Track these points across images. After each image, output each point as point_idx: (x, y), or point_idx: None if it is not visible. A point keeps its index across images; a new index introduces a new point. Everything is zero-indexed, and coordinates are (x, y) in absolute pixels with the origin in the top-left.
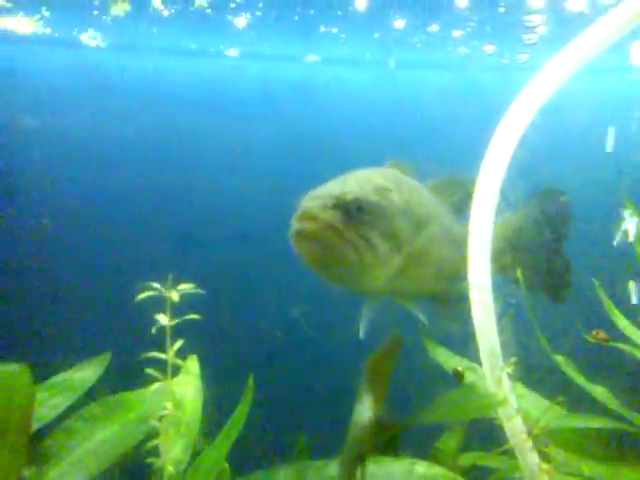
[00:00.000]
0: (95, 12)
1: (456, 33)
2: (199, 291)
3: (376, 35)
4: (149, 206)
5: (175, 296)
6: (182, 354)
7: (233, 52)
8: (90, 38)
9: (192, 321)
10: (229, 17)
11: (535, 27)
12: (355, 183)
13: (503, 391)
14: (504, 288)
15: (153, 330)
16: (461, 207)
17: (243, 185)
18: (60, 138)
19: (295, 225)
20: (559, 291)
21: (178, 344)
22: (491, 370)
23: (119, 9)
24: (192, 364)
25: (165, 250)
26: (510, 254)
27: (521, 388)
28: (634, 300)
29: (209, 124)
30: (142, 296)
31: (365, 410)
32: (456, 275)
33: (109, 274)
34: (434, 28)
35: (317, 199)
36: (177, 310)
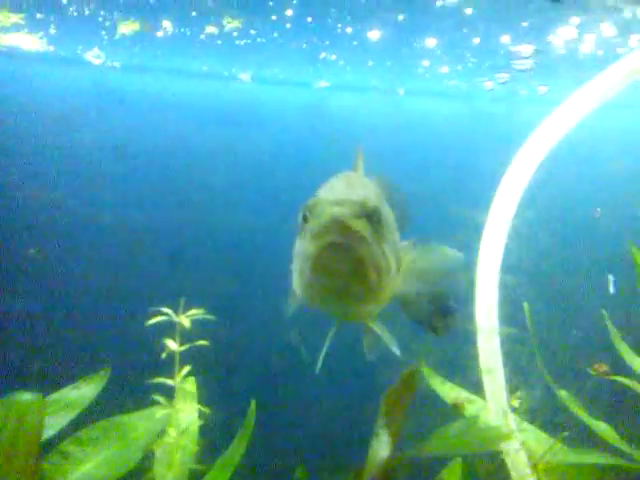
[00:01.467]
0: (102, 32)
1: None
2: (209, 316)
3: (388, 63)
4: (148, 225)
5: (186, 322)
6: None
7: (244, 76)
8: (94, 56)
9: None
10: (238, 42)
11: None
12: (362, 189)
13: (508, 424)
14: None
15: (163, 355)
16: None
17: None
18: (45, 156)
19: (322, 236)
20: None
21: (186, 369)
22: (496, 403)
23: (128, 28)
24: (189, 387)
25: (162, 270)
26: None
27: (523, 422)
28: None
29: (213, 142)
30: (152, 322)
31: (382, 446)
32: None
33: (108, 293)
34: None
35: (343, 205)
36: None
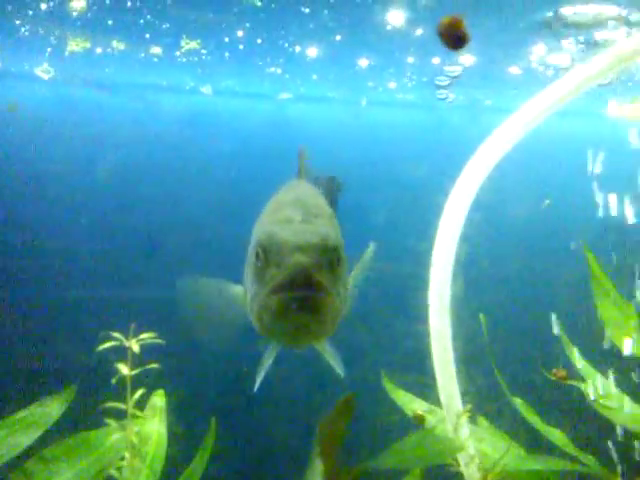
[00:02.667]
0: (49, 49)
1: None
2: (159, 341)
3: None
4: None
5: (135, 347)
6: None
7: (205, 89)
8: (44, 72)
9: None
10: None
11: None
12: (318, 216)
13: (460, 437)
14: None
15: (113, 380)
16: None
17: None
18: None
19: (285, 289)
20: None
21: (138, 393)
22: (450, 414)
23: (78, 46)
24: (158, 399)
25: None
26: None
27: (481, 431)
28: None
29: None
30: (103, 347)
31: (316, 475)
32: None
33: (72, 308)
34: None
35: (305, 252)
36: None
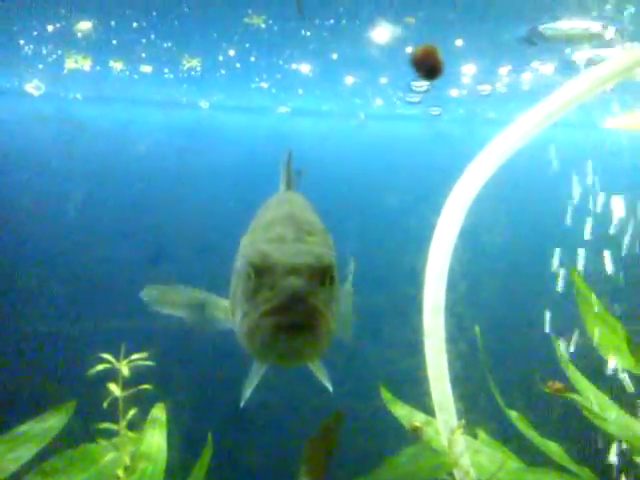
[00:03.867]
0: (40, 66)
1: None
2: (149, 363)
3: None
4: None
5: (125, 370)
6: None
7: (204, 104)
8: (34, 88)
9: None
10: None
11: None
12: (316, 240)
13: (454, 451)
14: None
15: (105, 404)
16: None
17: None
18: None
19: (279, 313)
20: None
21: (131, 413)
22: (444, 429)
23: (78, 63)
24: (159, 413)
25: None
26: None
27: (479, 443)
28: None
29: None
30: (94, 370)
31: None
32: None
33: (69, 322)
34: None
35: (299, 274)
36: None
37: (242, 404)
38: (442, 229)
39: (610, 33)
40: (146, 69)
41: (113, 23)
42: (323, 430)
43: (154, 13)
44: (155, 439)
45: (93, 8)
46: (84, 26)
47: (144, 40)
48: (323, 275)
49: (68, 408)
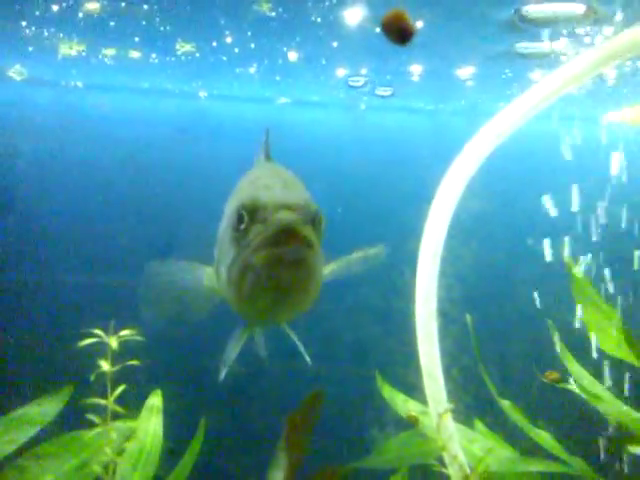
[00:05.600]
0: (30, 48)
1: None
2: (138, 337)
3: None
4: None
5: (114, 343)
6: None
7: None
8: (16, 73)
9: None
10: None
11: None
12: (297, 185)
13: (443, 435)
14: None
15: (91, 377)
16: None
17: None
18: None
19: (274, 245)
20: None
21: (119, 389)
22: (436, 414)
23: (73, 50)
24: (155, 399)
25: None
26: None
27: (473, 432)
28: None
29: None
30: (83, 344)
31: (279, 471)
32: None
33: (70, 306)
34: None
35: (292, 210)
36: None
37: (221, 377)
38: (434, 216)
39: (595, 14)
40: (135, 55)
41: (123, 4)
42: (302, 408)
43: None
44: (151, 425)
45: None
46: (92, 6)
47: (144, 23)
48: (312, 215)
49: (65, 393)
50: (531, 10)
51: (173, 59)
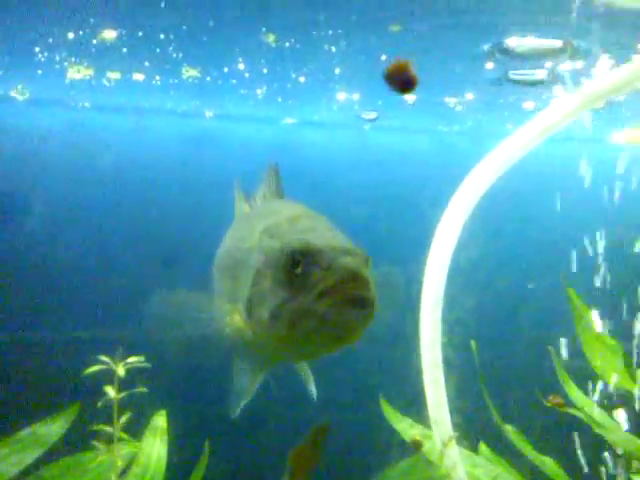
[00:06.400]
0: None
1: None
2: (146, 364)
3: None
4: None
5: (121, 371)
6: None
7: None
8: (18, 93)
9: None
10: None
11: None
12: (340, 232)
13: (447, 462)
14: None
15: (99, 405)
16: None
17: None
18: None
19: (343, 290)
20: None
21: (125, 417)
22: (441, 440)
23: (80, 74)
24: (160, 419)
25: None
26: None
27: (478, 457)
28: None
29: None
30: (90, 370)
31: None
32: None
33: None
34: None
35: (352, 256)
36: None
37: (234, 416)
38: (440, 240)
39: (572, 48)
40: (138, 77)
41: (140, 33)
42: (308, 441)
43: (184, 27)
44: (155, 447)
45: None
46: (109, 35)
47: (158, 50)
48: (366, 259)
49: (70, 413)
50: (510, 44)
51: (177, 81)
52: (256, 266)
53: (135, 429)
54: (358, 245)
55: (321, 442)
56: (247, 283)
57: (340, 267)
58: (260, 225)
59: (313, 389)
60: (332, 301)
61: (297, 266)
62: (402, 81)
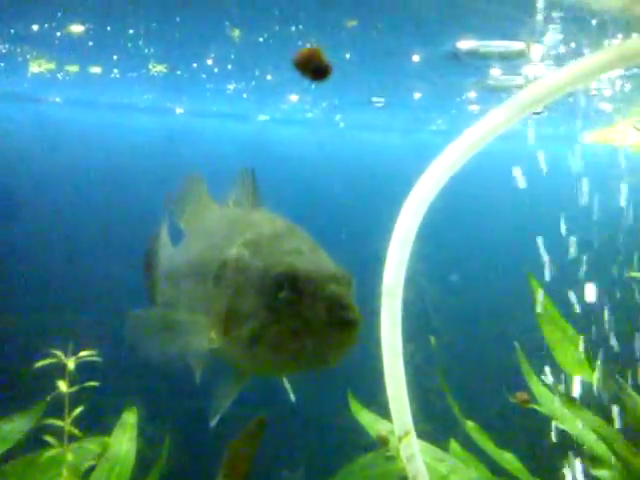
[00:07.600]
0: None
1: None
2: (96, 358)
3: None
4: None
5: (71, 365)
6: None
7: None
8: None
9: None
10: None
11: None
12: (323, 253)
13: (404, 455)
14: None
15: (48, 398)
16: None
17: None
18: None
19: (332, 316)
20: None
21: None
22: (400, 435)
23: (41, 67)
24: (130, 416)
25: None
26: None
27: (441, 453)
28: None
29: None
30: (40, 364)
31: None
32: None
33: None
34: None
35: (339, 283)
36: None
37: (213, 423)
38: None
39: (534, 51)
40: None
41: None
42: (245, 435)
43: (154, 24)
44: (124, 442)
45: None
46: (76, 29)
47: (129, 45)
48: (350, 281)
49: (37, 410)
50: (465, 47)
51: (144, 73)
52: (234, 283)
53: (104, 426)
54: (340, 267)
55: (259, 436)
56: (221, 299)
57: (326, 295)
58: (238, 237)
59: (289, 389)
60: (316, 328)
61: (281, 290)
62: (314, 69)
